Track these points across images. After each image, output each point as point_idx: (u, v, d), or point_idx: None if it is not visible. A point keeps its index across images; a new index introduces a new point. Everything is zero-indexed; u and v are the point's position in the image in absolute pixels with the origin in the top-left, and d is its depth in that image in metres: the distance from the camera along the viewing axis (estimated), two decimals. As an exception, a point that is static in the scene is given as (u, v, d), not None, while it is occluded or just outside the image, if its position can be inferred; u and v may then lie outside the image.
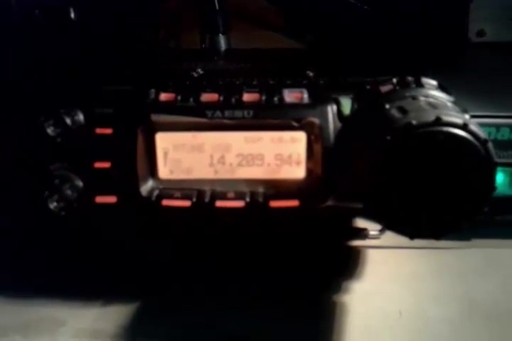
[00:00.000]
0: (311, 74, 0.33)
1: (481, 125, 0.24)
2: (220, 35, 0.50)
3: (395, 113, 0.24)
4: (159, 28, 0.52)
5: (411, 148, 0.23)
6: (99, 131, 0.27)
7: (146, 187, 0.28)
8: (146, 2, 0.48)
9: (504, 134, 0.32)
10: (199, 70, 0.34)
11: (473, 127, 0.23)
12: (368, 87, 0.28)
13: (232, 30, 0.49)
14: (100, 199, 0.28)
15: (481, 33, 0.48)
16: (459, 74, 0.36)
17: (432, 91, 0.27)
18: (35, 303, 0.30)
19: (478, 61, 0.43)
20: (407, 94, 0.26)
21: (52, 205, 0.26)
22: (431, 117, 0.23)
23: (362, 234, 0.35)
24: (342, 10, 0.45)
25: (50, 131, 0.26)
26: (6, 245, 0.33)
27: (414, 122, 0.23)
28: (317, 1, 0.47)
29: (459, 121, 0.23)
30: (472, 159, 0.23)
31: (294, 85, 0.29)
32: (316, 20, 0.49)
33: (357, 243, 0.35)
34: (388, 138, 0.23)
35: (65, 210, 0.26)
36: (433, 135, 0.23)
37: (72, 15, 0.36)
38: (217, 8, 0.50)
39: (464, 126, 0.23)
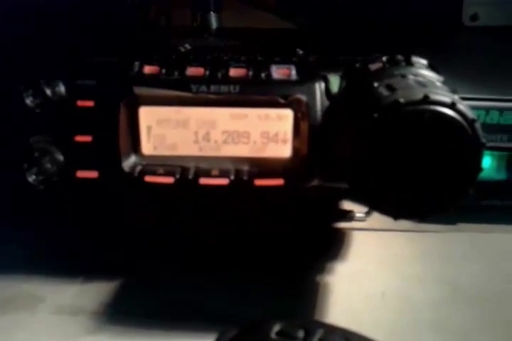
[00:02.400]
0: (300, 52, 0.32)
1: (470, 108, 0.24)
2: (212, 12, 0.50)
3: (383, 91, 0.24)
4: (150, 5, 0.51)
5: (398, 126, 0.23)
6: (80, 103, 0.26)
7: (129, 162, 0.28)
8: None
9: (493, 117, 0.31)
10: (187, 45, 0.33)
11: (461, 106, 0.23)
12: (357, 65, 0.28)
13: (223, 8, 0.48)
14: (81, 174, 0.27)
15: (474, 17, 0.48)
16: (451, 56, 0.36)
17: (422, 70, 0.26)
18: (14, 279, 0.30)
19: (470, 45, 0.43)
20: (396, 72, 0.26)
21: (31, 178, 0.25)
22: (419, 95, 0.22)
23: (348, 216, 0.35)
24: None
25: (29, 101, 0.25)
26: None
27: (401, 100, 0.22)
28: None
29: (447, 99, 0.22)
30: (459, 139, 0.23)
31: (283, 62, 0.28)
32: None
33: (343, 225, 0.35)
34: (375, 115, 0.23)
35: (45, 184, 0.26)
36: (420, 113, 0.22)
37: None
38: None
39: (452, 105, 0.22)
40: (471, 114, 0.23)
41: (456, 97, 0.23)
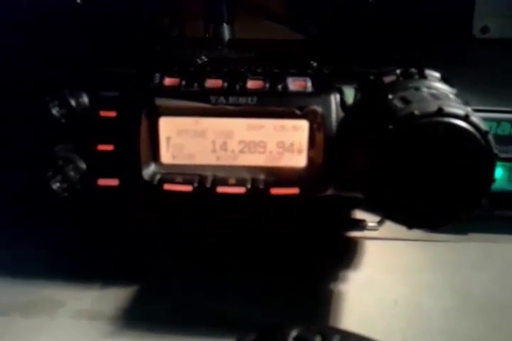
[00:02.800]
0: (314, 64, 0.33)
1: (482, 119, 0.24)
2: (224, 24, 0.51)
3: (398, 103, 0.24)
4: (163, 17, 0.52)
5: (412, 138, 0.23)
6: (103, 113, 0.27)
7: (148, 171, 0.28)
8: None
9: (505, 129, 0.32)
10: (203, 57, 0.34)
11: (474, 118, 0.23)
12: (371, 77, 0.29)
13: (235, 20, 0.49)
14: (102, 181, 0.28)
15: (485, 30, 0.48)
16: (462, 69, 0.36)
17: (435, 83, 0.27)
18: (35, 284, 0.30)
19: (481, 57, 0.44)
20: (410, 85, 0.26)
21: (55, 186, 0.26)
22: (433, 107, 0.23)
23: (360, 225, 0.36)
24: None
25: (55, 111, 0.26)
26: (7, 224, 0.33)
27: (416, 112, 0.23)
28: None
29: (460, 112, 0.23)
30: (472, 150, 0.23)
31: (298, 74, 0.29)
32: (318, 10, 0.49)
33: (355, 234, 0.36)
34: (390, 127, 0.23)
35: (68, 191, 0.26)
36: (435, 125, 0.23)
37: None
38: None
39: (466, 117, 0.23)
40: (483, 126, 0.23)
41: (469, 109, 0.24)
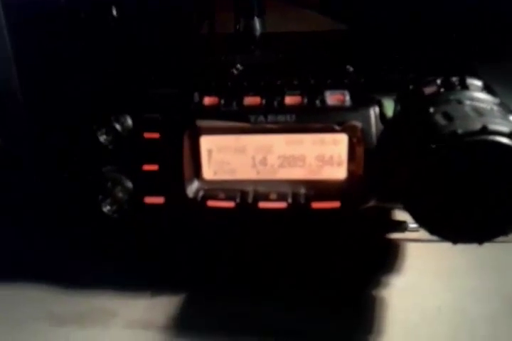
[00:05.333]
0: (351, 69, 0.33)
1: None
2: (255, 18, 0.50)
3: (440, 119, 0.24)
4: (192, 11, 0.51)
5: (456, 156, 0.23)
6: (147, 135, 0.28)
7: (192, 188, 0.29)
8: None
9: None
10: (238, 66, 0.34)
11: (520, 135, 0.23)
12: (411, 87, 0.28)
13: (266, 10, 0.49)
14: (149, 199, 0.29)
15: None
16: (505, 67, 0.35)
17: (477, 93, 0.26)
18: (86, 294, 0.31)
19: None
20: (452, 97, 0.26)
21: (106, 209, 0.27)
22: (477, 126, 0.23)
23: (401, 226, 0.36)
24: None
25: (102, 139, 0.27)
26: (60, 243, 0.35)
27: (459, 131, 0.23)
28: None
29: (505, 129, 0.23)
30: (517, 167, 0.23)
31: (336, 85, 0.29)
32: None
33: (396, 235, 0.36)
34: (433, 146, 0.23)
35: (117, 213, 0.28)
36: (479, 144, 0.23)
37: (115, 12, 0.37)
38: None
39: (511, 135, 0.23)
40: (529, 142, 0.23)
41: (514, 125, 0.23)
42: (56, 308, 0.31)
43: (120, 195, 0.28)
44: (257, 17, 0.50)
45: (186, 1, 0.50)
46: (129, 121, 0.28)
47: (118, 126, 0.27)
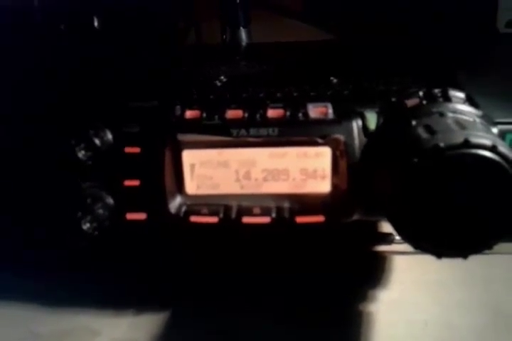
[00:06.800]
0: (334, 80, 0.33)
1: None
2: (241, 28, 0.50)
3: (422, 133, 0.24)
4: (178, 18, 0.52)
5: (438, 170, 0.23)
6: (127, 150, 0.28)
7: (175, 203, 0.29)
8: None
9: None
10: (222, 78, 0.34)
11: (502, 148, 0.23)
12: (393, 99, 0.28)
13: (252, 20, 0.49)
14: (131, 216, 0.28)
15: (510, 24, 0.47)
16: (487, 66, 0.35)
17: (460, 105, 0.26)
18: (68, 313, 0.31)
19: (506, 52, 0.42)
20: (434, 109, 0.26)
21: (86, 226, 0.27)
22: (459, 139, 0.22)
23: (387, 239, 0.35)
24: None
25: (81, 155, 0.26)
26: (42, 258, 0.34)
27: (442, 144, 0.22)
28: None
29: (487, 142, 0.22)
30: (500, 180, 0.23)
31: (318, 98, 0.29)
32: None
33: (382, 248, 0.36)
34: (415, 160, 0.23)
35: (98, 230, 0.27)
36: (461, 157, 0.22)
37: (96, 23, 0.37)
38: (237, 1, 0.50)
39: (493, 148, 0.22)
40: (511, 155, 0.23)
41: (497, 139, 0.23)
42: (39, 327, 0.30)
43: (100, 211, 0.27)
44: (243, 27, 0.50)
45: (169, 11, 0.50)
46: (109, 136, 0.27)
47: (97, 141, 0.27)
